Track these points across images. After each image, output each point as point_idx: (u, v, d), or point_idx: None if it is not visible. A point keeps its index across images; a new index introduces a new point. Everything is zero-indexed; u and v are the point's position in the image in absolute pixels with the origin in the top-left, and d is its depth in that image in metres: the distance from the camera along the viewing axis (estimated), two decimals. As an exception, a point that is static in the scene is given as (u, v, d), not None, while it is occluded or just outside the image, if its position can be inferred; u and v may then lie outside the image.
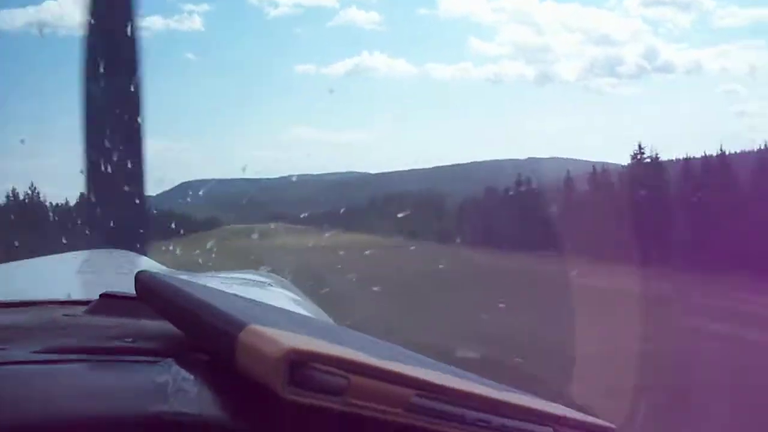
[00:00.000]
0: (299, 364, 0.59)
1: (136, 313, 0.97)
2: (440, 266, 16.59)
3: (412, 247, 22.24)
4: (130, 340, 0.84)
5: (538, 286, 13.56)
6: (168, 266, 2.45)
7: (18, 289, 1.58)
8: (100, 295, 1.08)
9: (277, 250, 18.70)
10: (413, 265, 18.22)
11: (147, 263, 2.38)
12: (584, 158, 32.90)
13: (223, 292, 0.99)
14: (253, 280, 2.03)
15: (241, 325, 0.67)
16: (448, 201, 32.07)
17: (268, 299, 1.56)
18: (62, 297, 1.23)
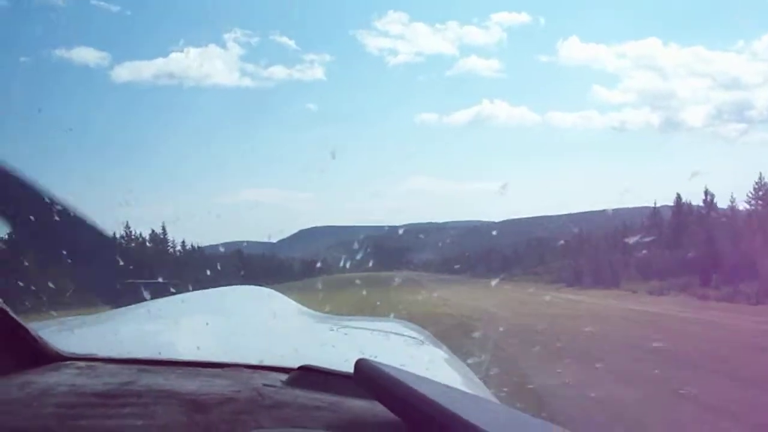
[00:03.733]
0: None
1: (337, 390, 1.04)
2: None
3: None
4: None
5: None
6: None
7: (185, 331, 1.73)
8: (300, 368, 1.16)
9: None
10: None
11: (292, 305, 2.52)
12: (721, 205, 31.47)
13: (443, 386, 1.02)
14: (398, 333, 2.11)
15: None
16: (592, 246, 31.41)
17: (422, 359, 1.74)
18: (253, 359, 1.30)
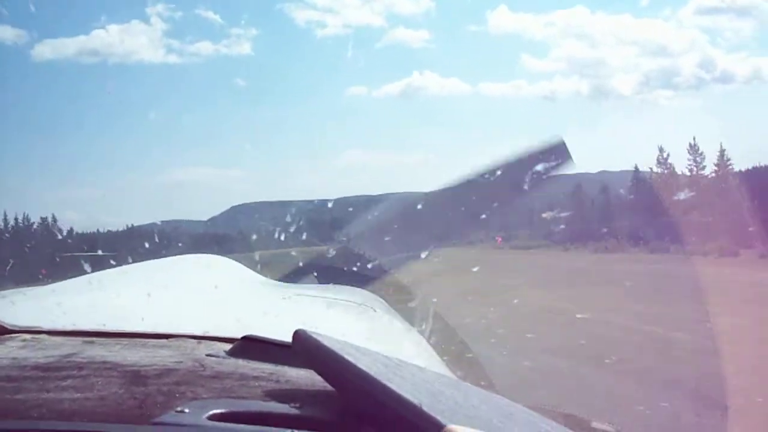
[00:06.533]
0: None
1: (278, 359, 1.09)
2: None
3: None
4: (297, 405, 0.89)
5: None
6: None
7: (136, 301, 1.71)
8: (242, 338, 1.20)
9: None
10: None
11: (245, 272, 2.54)
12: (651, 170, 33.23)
13: (380, 356, 1.04)
14: (353, 302, 2.15)
15: (438, 426, 0.73)
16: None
17: (377, 327, 1.74)
18: (196, 329, 1.31)
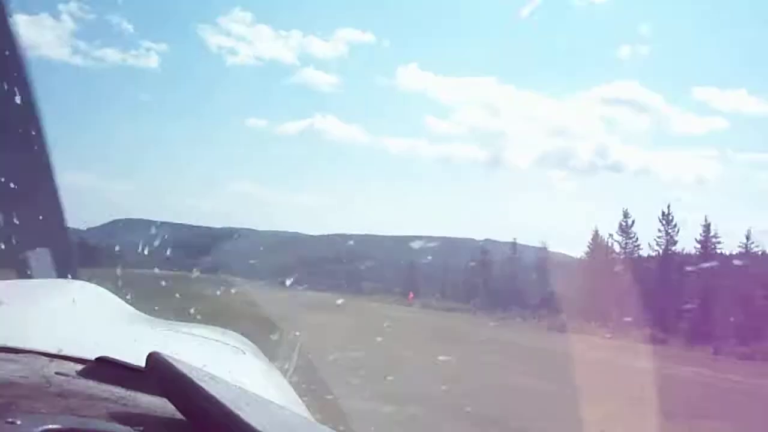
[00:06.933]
0: None
1: (133, 384, 1.03)
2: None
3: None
4: (141, 428, 0.86)
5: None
6: None
7: None
8: (96, 359, 1.13)
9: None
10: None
11: (114, 301, 2.43)
12: (536, 245, 34.58)
13: (235, 388, 1.04)
14: (220, 341, 2.14)
15: None
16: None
17: (237, 368, 1.70)
18: (44, 344, 1.23)
